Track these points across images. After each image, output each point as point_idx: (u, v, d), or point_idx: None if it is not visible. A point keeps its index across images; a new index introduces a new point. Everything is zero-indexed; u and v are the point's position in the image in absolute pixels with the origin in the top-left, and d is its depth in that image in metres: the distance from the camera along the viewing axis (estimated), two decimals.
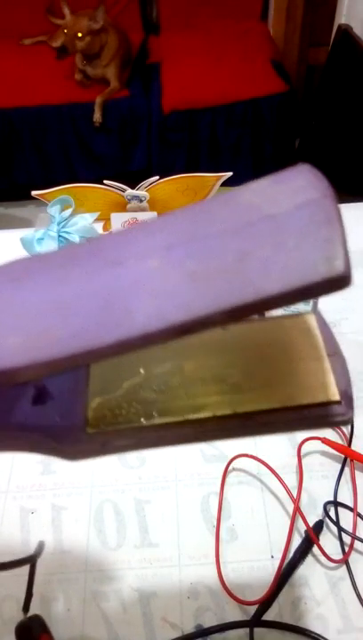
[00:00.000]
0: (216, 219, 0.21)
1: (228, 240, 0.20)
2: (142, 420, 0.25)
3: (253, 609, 0.47)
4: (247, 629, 0.46)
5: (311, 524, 0.50)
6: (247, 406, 0.25)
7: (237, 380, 0.26)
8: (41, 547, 0.44)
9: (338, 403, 0.25)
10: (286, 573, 0.48)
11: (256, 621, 0.46)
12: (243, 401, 0.25)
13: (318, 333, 0.27)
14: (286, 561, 0.49)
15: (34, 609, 0.48)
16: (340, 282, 0.18)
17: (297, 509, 0.51)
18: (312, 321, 0.28)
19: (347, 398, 0.25)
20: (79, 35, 1.82)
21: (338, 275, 0.18)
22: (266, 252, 0.19)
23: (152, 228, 0.22)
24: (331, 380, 0.26)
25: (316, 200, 0.20)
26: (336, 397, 0.25)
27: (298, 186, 0.21)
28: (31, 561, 0.43)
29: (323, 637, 0.45)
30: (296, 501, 0.51)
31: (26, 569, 0.49)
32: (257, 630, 0.46)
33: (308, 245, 0.19)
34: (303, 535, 0.50)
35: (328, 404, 0.25)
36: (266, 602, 0.47)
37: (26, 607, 0.44)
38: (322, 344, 0.27)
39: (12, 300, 0.21)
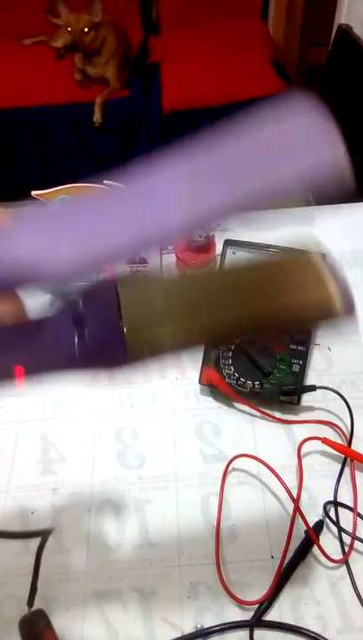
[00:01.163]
0: (232, 148, 0.27)
1: (246, 157, 0.26)
2: (170, 325, 0.28)
3: (253, 609, 0.47)
4: (247, 629, 0.46)
5: (311, 524, 0.50)
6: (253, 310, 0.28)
7: (243, 296, 0.29)
8: (53, 527, 0.45)
9: (335, 302, 0.27)
10: (286, 573, 0.48)
11: (256, 621, 0.46)
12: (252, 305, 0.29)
13: (325, 269, 0.29)
14: (286, 561, 0.49)
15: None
16: (344, 181, 0.24)
17: (297, 509, 0.51)
18: (319, 259, 0.29)
19: (348, 300, 0.27)
20: (85, 29, 1.83)
21: (342, 169, 0.24)
22: (281, 159, 0.25)
23: (175, 169, 0.28)
24: (328, 279, 0.27)
25: (319, 121, 0.26)
26: (334, 296, 0.27)
27: (305, 130, 0.26)
28: (43, 535, 0.44)
29: (323, 637, 0.45)
30: (296, 501, 0.51)
31: (28, 567, 0.49)
32: (257, 630, 0.46)
33: (316, 148, 0.25)
34: (303, 535, 0.50)
35: (327, 300, 0.27)
36: (266, 602, 0.47)
37: (30, 601, 0.45)
38: (323, 263, 0.29)
39: (60, 227, 0.27)
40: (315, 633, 0.45)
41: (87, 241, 0.26)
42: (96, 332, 0.28)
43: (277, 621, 0.46)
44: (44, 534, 0.45)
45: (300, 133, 0.25)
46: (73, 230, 0.27)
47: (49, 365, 0.28)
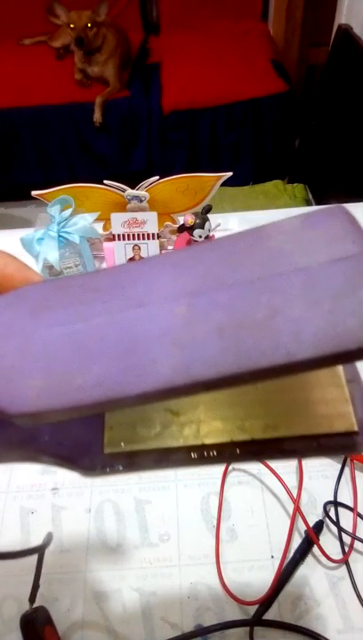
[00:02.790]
0: (245, 263, 0.20)
1: (257, 292, 0.19)
2: (157, 441, 0.25)
3: (253, 609, 0.47)
4: (247, 629, 0.46)
5: (311, 524, 0.50)
6: (264, 434, 0.25)
7: (255, 405, 0.26)
8: (49, 538, 0.44)
9: (356, 433, 0.24)
10: (286, 573, 0.48)
11: (256, 621, 0.46)
12: (260, 428, 0.25)
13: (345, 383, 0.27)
14: (286, 561, 0.49)
15: None
16: None
17: (297, 509, 0.51)
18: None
19: None
20: (88, 25, 1.83)
21: None
22: (298, 311, 0.18)
23: (177, 266, 0.21)
24: (350, 409, 0.25)
25: (354, 256, 0.19)
26: (355, 428, 0.24)
27: (333, 235, 0.20)
28: (39, 551, 0.43)
29: (323, 637, 0.45)
30: (296, 501, 0.51)
31: (28, 566, 0.49)
32: (257, 630, 0.46)
33: (343, 308, 0.18)
34: (303, 535, 0.50)
35: (346, 434, 0.24)
36: (266, 602, 0.47)
37: (32, 598, 0.45)
38: (341, 369, 0.27)
39: (33, 336, 0.21)
40: (315, 632, 0.45)
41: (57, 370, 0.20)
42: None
43: (277, 620, 0.46)
44: (39, 549, 0.44)
45: (331, 279, 0.19)
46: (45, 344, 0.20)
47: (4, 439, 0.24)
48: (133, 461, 0.25)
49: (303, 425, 0.25)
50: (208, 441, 0.25)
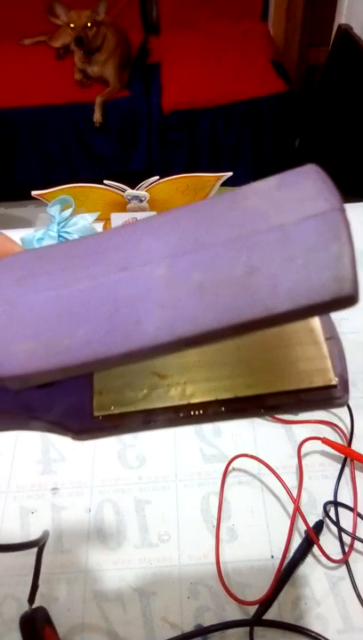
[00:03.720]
0: (222, 224, 0.21)
1: (235, 250, 0.20)
2: (145, 402, 0.26)
3: (253, 609, 0.47)
4: (247, 629, 0.46)
5: (311, 524, 0.50)
6: (246, 391, 0.26)
7: (238, 365, 0.27)
8: (46, 534, 0.44)
9: (334, 387, 0.25)
10: (286, 573, 0.48)
11: (256, 621, 0.46)
12: (244, 386, 0.26)
13: (316, 318, 0.28)
14: (286, 561, 0.49)
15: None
16: (348, 302, 0.18)
17: (297, 509, 0.51)
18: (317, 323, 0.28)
19: (343, 382, 0.25)
20: (88, 24, 1.83)
21: (346, 295, 0.18)
22: (274, 267, 0.19)
23: (156, 230, 0.22)
24: (328, 364, 0.26)
25: (325, 213, 0.20)
26: (333, 382, 0.25)
27: (307, 193, 0.20)
28: (35, 545, 0.44)
29: (323, 637, 0.45)
30: (296, 501, 0.51)
31: (28, 566, 0.49)
32: (257, 630, 0.46)
33: (316, 262, 0.19)
34: (303, 535, 0.50)
35: (325, 388, 0.25)
36: (266, 602, 0.47)
37: (31, 599, 0.45)
38: (320, 328, 0.27)
39: (20, 302, 0.21)
40: (315, 632, 0.45)
41: (44, 332, 0.20)
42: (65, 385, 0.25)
43: (277, 621, 0.46)
44: (36, 543, 0.44)
45: (305, 235, 0.19)
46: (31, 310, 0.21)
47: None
48: (123, 423, 0.25)
49: (285, 381, 0.26)
50: (194, 400, 0.26)
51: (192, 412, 0.26)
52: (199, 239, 0.21)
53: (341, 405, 0.26)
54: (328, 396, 0.25)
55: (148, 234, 0.22)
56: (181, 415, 0.25)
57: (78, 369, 0.20)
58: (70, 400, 0.26)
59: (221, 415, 0.26)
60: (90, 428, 0.25)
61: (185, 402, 0.26)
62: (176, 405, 0.26)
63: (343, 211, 0.20)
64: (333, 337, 0.27)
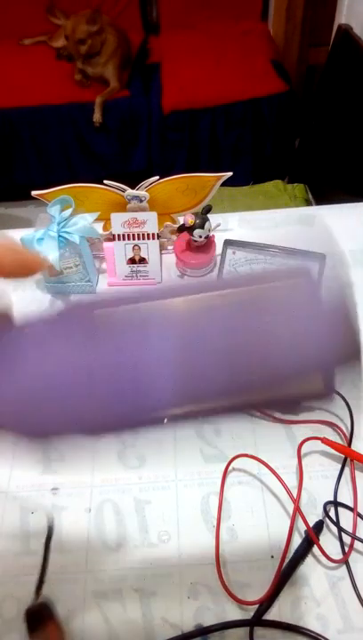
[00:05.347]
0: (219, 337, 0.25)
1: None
2: None
3: (253, 609, 0.47)
4: (247, 629, 0.46)
5: (311, 524, 0.50)
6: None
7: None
8: (50, 518, 0.45)
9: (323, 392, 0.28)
10: (286, 573, 0.48)
11: (256, 621, 0.46)
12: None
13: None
14: (286, 561, 0.49)
15: None
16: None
17: (297, 509, 0.51)
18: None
19: (329, 388, 0.28)
20: (81, 39, 1.83)
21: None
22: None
23: (172, 329, 0.25)
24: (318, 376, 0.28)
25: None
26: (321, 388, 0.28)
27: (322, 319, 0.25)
28: (50, 523, 0.44)
29: (323, 637, 0.45)
30: (296, 501, 0.51)
31: (28, 567, 0.49)
32: (257, 630, 0.46)
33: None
34: (303, 535, 0.50)
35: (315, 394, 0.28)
36: (266, 602, 0.47)
37: (38, 590, 0.45)
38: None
39: (45, 374, 0.24)
40: (315, 632, 0.45)
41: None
42: None
43: (277, 621, 0.46)
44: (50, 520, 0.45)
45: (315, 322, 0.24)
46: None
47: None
48: None
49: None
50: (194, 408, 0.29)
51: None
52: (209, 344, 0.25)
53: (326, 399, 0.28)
54: (316, 396, 0.28)
55: (165, 333, 0.25)
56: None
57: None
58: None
59: (206, 414, 0.28)
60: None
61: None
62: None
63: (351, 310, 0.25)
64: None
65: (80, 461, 0.57)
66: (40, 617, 0.44)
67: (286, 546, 0.49)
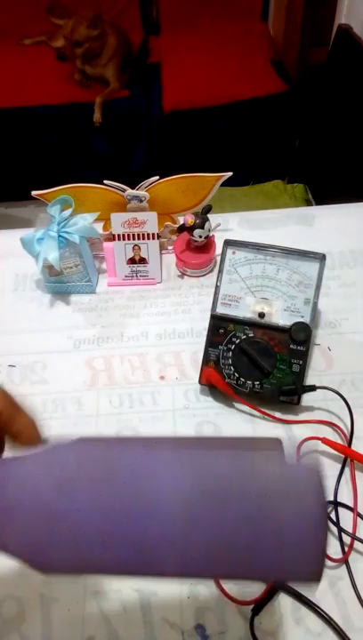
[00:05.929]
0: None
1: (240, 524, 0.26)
2: None
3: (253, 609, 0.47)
4: (248, 629, 0.46)
5: None
6: None
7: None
8: None
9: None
10: None
11: (256, 621, 0.46)
12: None
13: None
14: None
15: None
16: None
17: None
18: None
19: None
20: (78, 41, 1.83)
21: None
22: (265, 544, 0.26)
23: (184, 478, 0.27)
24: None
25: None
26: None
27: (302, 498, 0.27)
28: None
29: (332, 619, 0.45)
30: None
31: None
32: (257, 630, 0.46)
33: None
34: None
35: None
36: (266, 601, 0.47)
37: None
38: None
39: (59, 512, 0.26)
40: (328, 615, 0.45)
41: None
42: None
43: (276, 620, 0.46)
44: None
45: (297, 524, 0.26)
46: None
47: None
48: None
49: None
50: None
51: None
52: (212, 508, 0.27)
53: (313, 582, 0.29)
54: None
55: (175, 477, 0.27)
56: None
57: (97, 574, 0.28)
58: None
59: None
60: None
61: None
62: None
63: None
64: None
65: None
66: None
67: None
